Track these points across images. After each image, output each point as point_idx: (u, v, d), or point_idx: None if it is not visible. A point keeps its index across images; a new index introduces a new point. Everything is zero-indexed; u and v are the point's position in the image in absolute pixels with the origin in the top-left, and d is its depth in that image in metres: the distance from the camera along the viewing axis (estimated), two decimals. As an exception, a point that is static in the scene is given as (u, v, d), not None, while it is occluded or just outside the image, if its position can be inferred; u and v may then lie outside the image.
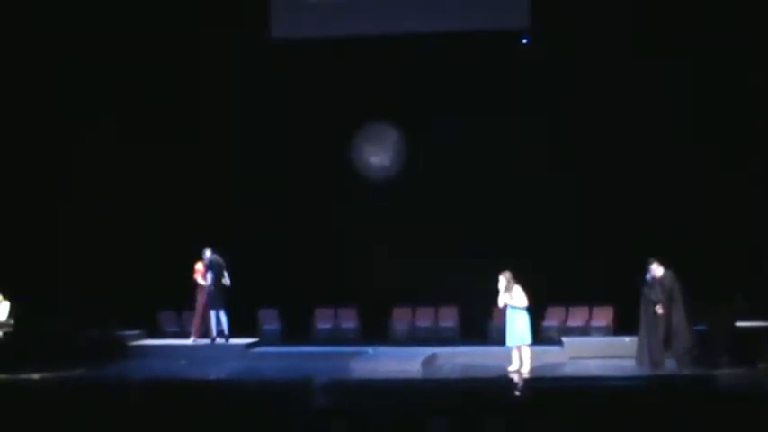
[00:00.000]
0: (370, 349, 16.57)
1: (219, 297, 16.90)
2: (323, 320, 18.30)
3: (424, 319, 18.19)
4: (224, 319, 16.95)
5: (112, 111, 18.52)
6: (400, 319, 18.21)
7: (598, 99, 17.54)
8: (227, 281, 16.98)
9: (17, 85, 18.13)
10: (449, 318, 18.08)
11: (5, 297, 16.13)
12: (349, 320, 18.24)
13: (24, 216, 18.32)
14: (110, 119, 18.53)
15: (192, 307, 17.31)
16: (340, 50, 18.13)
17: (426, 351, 15.87)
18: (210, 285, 16.88)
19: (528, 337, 14.48)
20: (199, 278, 17.00)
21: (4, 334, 15.83)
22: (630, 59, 17.40)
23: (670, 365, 13.99)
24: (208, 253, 17.01)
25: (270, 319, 18.33)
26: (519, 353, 14.51)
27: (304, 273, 18.08)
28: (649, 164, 17.43)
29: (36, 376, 13.53)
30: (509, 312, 14.46)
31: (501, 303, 14.54)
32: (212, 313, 16.96)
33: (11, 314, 16.11)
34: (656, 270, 14.20)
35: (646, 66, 17.35)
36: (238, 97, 18.58)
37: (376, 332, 17.86)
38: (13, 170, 18.35)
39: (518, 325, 14.41)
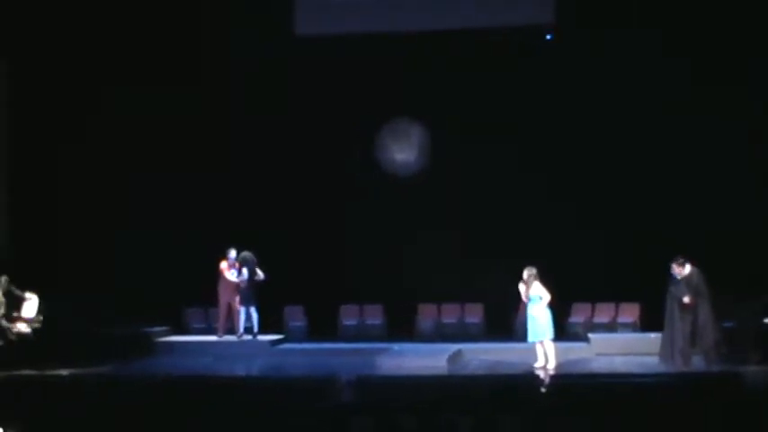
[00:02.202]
0: (395, 346, 16.57)
1: (252, 294, 16.98)
2: (348, 317, 18.32)
3: (450, 315, 18.16)
4: (254, 315, 16.99)
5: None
6: (426, 315, 18.19)
7: (626, 95, 17.45)
8: (260, 276, 16.98)
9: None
10: (474, 314, 18.06)
11: (34, 293, 16.24)
12: (374, 317, 18.25)
13: (51, 213, 18.49)
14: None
15: (217, 304, 17.37)
16: (359, 48, 18.10)
17: (452, 348, 15.84)
18: (245, 281, 16.95)
19: (550, 333, 14.46)
20: (227, 274, 17.02)
21: (33, 330, 15.95)
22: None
23: (697, 362, 13.91)
24: (233, 252, 17.07)
25: (295, 316, 18.37)
26: (543, 348, 14.50)
27: (329, 270, 18.10)
28: (678, 161, 17.29)
29: (64, 372, 13.62)
30: (530, 308, 14.46)
31: (525, 297, 14.55)
32: (242, 309, 17.02)
33: (39, 311, 16.22)
34: (683, 267, 14.12)
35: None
36: (262, 94, 18.60)
37: (401, 329, 17.84)
38: (33, 163, 18.55)
39: (540, 321, 14.40)
